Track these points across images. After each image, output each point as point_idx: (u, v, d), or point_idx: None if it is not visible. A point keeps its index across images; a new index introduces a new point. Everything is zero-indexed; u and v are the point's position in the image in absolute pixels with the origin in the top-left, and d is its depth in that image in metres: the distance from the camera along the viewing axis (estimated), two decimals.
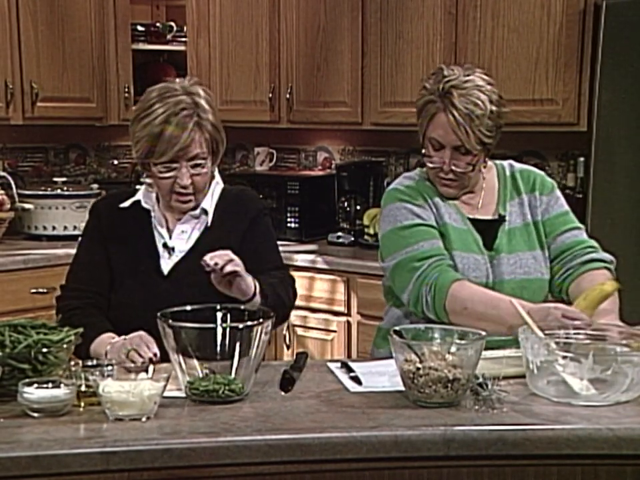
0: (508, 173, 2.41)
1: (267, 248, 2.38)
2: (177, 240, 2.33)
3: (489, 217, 2.35)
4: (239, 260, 2.08)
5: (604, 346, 1.91)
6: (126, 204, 2.35)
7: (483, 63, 3.48)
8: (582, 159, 3.66)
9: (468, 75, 2.25)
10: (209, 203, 2.34)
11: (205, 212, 2.33)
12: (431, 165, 2.30)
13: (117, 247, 2.33)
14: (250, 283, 2.12)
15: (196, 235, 2.34)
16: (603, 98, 3.27)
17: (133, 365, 1.93)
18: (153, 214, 2.34)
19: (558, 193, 2.41)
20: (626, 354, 1.84)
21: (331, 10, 4.11)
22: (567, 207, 2.39)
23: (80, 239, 2.44)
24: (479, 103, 2.21)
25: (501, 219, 2.34)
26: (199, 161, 2.25)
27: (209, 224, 2.33)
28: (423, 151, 2.32)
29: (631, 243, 3.27)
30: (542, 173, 2.43)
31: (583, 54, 3.45)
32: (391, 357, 1.87)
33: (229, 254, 2.06)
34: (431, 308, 2.19)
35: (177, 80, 2.32)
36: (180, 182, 2.24)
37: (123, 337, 2.12)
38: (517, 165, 2.44)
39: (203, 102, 2.25)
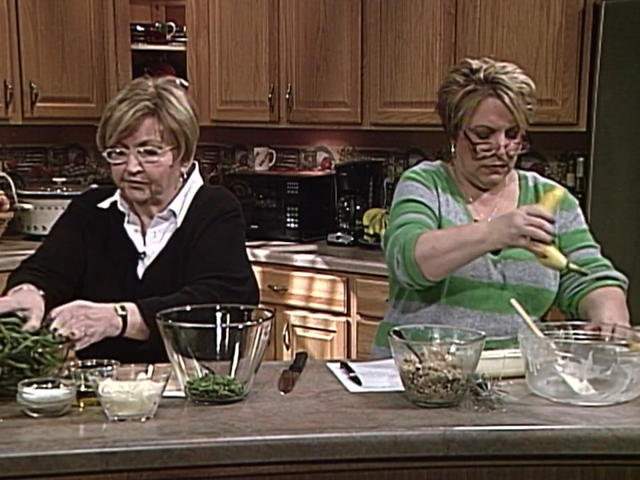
0: (531, 184, 2.41)
1: (213, 253, 2.24)
2: (150, 243, 2.29)
3: None
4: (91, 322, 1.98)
5: (603, 346, 1.91)
6: (104, 204, 2.31)
7: None
8: (581, 159, 3.67)
9: (498, 63, 2.28)
10: (179, 204, 2.29)
11: (174, 213, 2.29)
12: (486, 152, 2.25)
13: (95, 250, 2.29)
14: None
15: (167, 236, 2.29)
16: (602, 98, 3.27)
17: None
18: (127, 219, 2.30)
19: (579, 210, 2.40)
20: (625, 354, 1.84)
21: (331, 10, 4.11)
22: (585, 226, 2.39)
23: (55, 225, 2.36)
24: (526, 81, 2.25)
25: None
26: (150, 148, 2.20)
27: (178, 225, 2.28)
28: (474, 140, 2.26)
29: (630, 242, 3.27)
30: (565, 189, 2.40)
31: (583, 54, 3.45)
32: (391, 357, 1.87)
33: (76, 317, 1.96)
34: (402, 266, 2.18)
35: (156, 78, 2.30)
36: (128, 168, 2.20)
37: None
38: (542, 179, 2.44)
39: (171, 98, 2.22)
